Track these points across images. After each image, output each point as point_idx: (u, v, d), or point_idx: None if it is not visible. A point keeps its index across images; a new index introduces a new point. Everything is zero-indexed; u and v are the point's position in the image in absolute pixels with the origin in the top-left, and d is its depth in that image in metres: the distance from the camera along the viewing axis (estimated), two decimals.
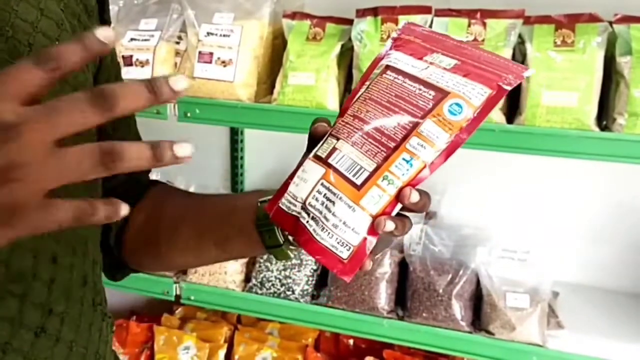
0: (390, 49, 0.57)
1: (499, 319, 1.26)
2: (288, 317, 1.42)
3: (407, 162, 0.50)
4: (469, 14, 1.20)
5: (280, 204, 0.55)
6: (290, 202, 0.54)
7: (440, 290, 1.28)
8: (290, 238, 0.59)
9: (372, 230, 0.50)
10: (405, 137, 0.50)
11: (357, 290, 1.34)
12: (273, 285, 1.41)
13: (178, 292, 1.50)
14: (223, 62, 1.32)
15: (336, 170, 0.52)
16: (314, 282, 1.42)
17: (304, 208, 0.53)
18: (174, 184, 1.59)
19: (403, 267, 1.36)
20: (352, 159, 0.52)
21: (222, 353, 1.62)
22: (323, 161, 0.53)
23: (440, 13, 1.21)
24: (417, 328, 1.30)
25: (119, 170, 0.38)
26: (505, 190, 1.53)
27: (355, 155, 0.51)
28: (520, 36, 1.17)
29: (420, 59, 0.54)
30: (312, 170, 0.53)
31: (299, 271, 1.41)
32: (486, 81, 0.51)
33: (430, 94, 0.51)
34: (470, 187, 1.54)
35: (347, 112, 0.55)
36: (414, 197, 0.50)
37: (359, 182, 0.51)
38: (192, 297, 1.48)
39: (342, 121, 0.54)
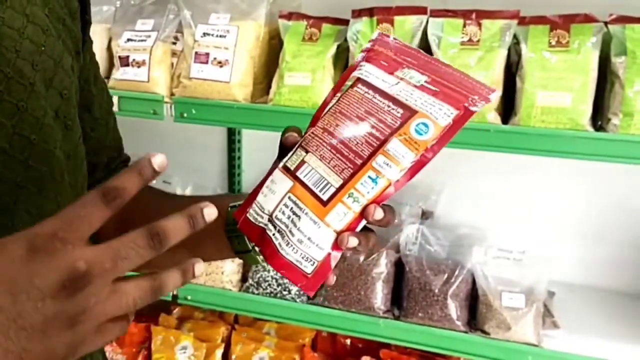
0: (363, 60, 0.57)
1: (494, 318, 1.26)
2: (285, 317, 1.42)
3: (373, 180, 0.51)
4: (465, 14, 1.20)
5: (247, 214, 0.56)
6: (258, 214, 0.55)
7: (436, 290, 1.29)
8: (257, 249, 0.59)
9: (336, 246, 0.51)
10: (371, 155, 0.51)
11: (353, 290, 1.34)
12: (269, 285, 1.42)
13: (175, 292, 1.50)
14: (219, 62, 1.32)
15: (303, 184, 0.52)
16: None
17: (270, 220, 0.53)
18: (171, 184, 1.59)
19: (399, 267, 1.36)
20: (319, 174, 0.52)
21: (219, 353, 1.62)
22: (291, 173, 0.53)
23: (436, 13, 1.21)
24: (413, 328, 1.30)
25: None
26: (500, 190, 1.53)
27: (322, 170, 0.52)
28: (515, 36, 1.18)
29: (392, 73, 0.55)
30: (280, 182, 0.54)
31: None
32: (453, 102, 0.52)
33: (398, 112, 0.52)
34: (467, 187, 1.55)
35: (317, 123, 0.55)
36: (378, 214, 0.51)
37: (325, 197, 0.51)
38: (189, 297, 1.48)
39: (312, 133, 0.55)
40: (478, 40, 1.18)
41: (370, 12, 1.24)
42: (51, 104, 0.55)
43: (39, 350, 0.38)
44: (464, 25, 1.19)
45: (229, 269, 1.46)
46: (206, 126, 1.63)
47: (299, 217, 0.52)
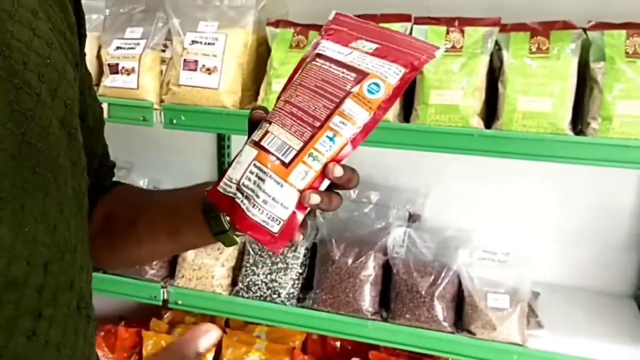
0: (322, 38, 0.62)
1: (480, 319, 1.28)
2: (275, 320, 1.44)
3: (330, 139, 0.55)
4: (448, 21, 1.23)
5: (218, 188, 0.59)
6: (227, 184, 0.58)
7: (423, 292, 1.31)
8: (228, 219, 0.63)
9: (300, 205, 0.55)
10: (328, 117, 0.55)
11: (341, 292, 1.36)
12: (259, 288, 1.43)
13: (166, 297, 1.51)
14: (208, 69, 1.34)
15: (267, 151, 0.56)
16: (299, 285, 1.44)
17: (238, 189, 0.57)
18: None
19: (386, 269, 1.38)
20: (281, 140, 0.56)
21: (210, 356, 1.64)
22: (256, 144, 0.57)
23: (420, 21, 1.24)
24: (400, 329, 1.33)
25: None
26: (485, 193, 1.56)
27: (284, 136, 0.56)
28: (497, 43, 1.21)
29: (346, 45, 0.60)
30: (247, 154, 0.57)
31: (284, 275, 1.43)
32: (401, 61, 0.56)
33: (351, 76, 0.56)
34: (452, 190, 1.57)
35: (279, 98, 0.59)
36: (338, 171, 0.54)
37: (287, 160, 0.55)
38: (180, 302, 1.50)
39: (276, 106, 0.59)
40: (461, 47, 1.21)
41: None
42: (56, 113, 0.57)
43: None
44: (447, 32, 1.22)
45: (219, 273, 1.48)
46: (196, 132, 1.66)
47: (263, 180, 0.55)
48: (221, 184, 0.59)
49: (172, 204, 0.72)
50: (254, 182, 0.56)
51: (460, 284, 1.33)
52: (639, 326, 1.40)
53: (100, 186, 0.77)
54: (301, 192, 0.55)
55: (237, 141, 1.78)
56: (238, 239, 0.67)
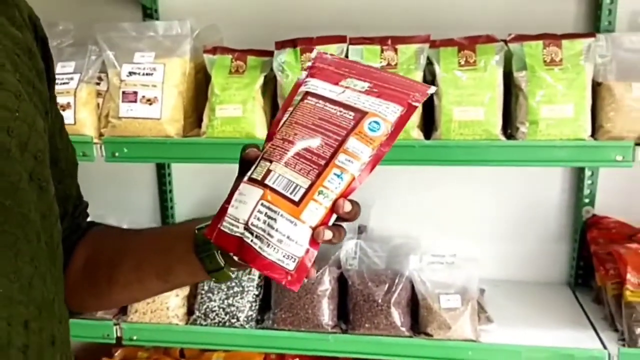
0: (307, 77, 0.64)
1: (435, 320, 1.34)
2: (235, 344, 1.44)
3: (338, 176, 0.57)
4: (381, 40, 1.29)
5: (222, 227, 0.59)
6: (232, 224, 0.58)
7: (379, 300, 1.35)
8: (236, 258, 0.62)
9: (314, 241, 0.57)
10: (333, 155, 0.57)
11: (300, 309, 1.38)
12: (217, 314, 1.43)
13: (119, 334, 1.48)
14: (148, 100, 1.33)
15: (273, 190, 0.57)
16: (257, 307, 1.45)
17: (246, 228, 0.57)
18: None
19: (342, 282, 1.42)
20: (287, 179, 0.57)
21: None
22: (259, 183, 0.58)
23: (355, 41, 1.30)
24: (361, 339, 1.36)
25: None
26: (427, 201, 1.64)
27: (289, 174, 0.57)
28: (428, 59, 1.28)
29: (336, 84, 0.62)
30: (250, 193, 0.58)
31: (241, 298, 1.43)
32: (398, 100, 0.59)
33: (350, 115, 0.59)
34: (396, 200, 1.64)
35: (275, 136, 0.61)
36: (347, 206, 0.57)
37: (296, 198, 0.56)
38: (135, 337, 1.46)
39: (272, 145, 0.60)
40: (396, 64, 1.27)
41: (293, 43, 1.31)
42: (26, 167, 0.56)
43: None
44: (382, 51, 1.28)
45: (174, 304, 1.46)
46: (134, 163, 1.63)
47: (274, 219, 0.56)
48: (225, 223, 0.59)
49: (160, 244, 0.71)
50: (265, 222, 0.56)
51: (413, 288, 1.39)
52: (576, 310, 1.51)
53: (77, 228, 0.76)
54: (313, 228, 0.56)
55: (178, 170, 1.76)
56: (232, 275, 0.67)
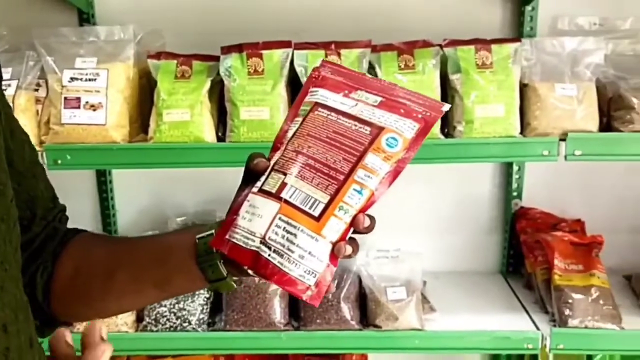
0: (314, 86, 0.64)
1: (383, 312, 1.40)
2: (187, 348, 1.44)
3: (358, 192, 0.56)
4: (325, 45, 1.34)
5: (235, 241, 0.58)
6: (247, 238, 0.57)
7: (330, 296, 1.40)
8: (250, 272, 0.61)
9: (333, 256, 0.57)
10: (352, 170, 0.57)
11: (253, 309, 1.40)
12: (168, 319, 1.43)
13: None
14: (92, 106, 1.32)
15: (291, 204, 0.56)
16: (208, 310, 1.46)
17: (263, 242, 0.56)
18: None
19: None
20: (305, 193, 0.57)
21: None
22: (274, 196, 0.57)
23: (299, 46, 1.34)
24: (312, 335, 1.40)
25: None
26: None
27: (306, 189, 0.57)
28: (370, 63, 1.34)
29: (347, 96, 0.62)
30: (265, 206, 0.57)
31: (192, 301, 1.44)
32: (413, 117, 0.59)
33: (366, 130, 0.59)
34: None
35: (286, 147, 0.60)
36: (367, 222, 0.57)
37: (316, 213, 0.56)
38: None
39: (284, 157, 0.59)
40: None
41: (239, 48, 1.33)
42: None
43: None
44: (326, 56, 1.33)
45: None
46: (73, 170, 1.59)
47: (294, 235, 0.55)
48: (238, 237, 0.57)
49: (157, 254, 0.69)
50: (284, 237, 0.55)
51: (361, 283, 1.44)
52: (509, 296, 1.61)
53: (55, 233, 0.73)
54: (333, 244, 0.56)
55: (119, 176, 1.74)
56: (235, 285, 0.66)
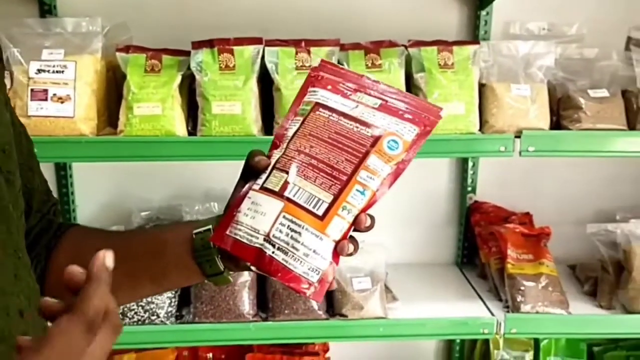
0: (313, 86, 0.66)
1: (349, 302, 1.45)
2: (155, 341, 1.44)
3: (361, 192, 0.59)
4: (295, 43, 1.37)
5: (238, 237, 0.59)
6: (251, 235, 0.58)
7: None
8: (253, 269, 0.62)
9: (336, 254, 0.59)
10: (355, 171, 0.59)
11: (222, 301, 1.43)
12: (136, 313, 1.43)
13: None
14: (60, 98, 1.30)
15: (294, 203, 0.58)
16: (177, 302, 1.47)
17: (267, 240, 0.58)
18: None
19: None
20: (308, 192, 0.58)
21: None
22: (277, 194, 0.59)
23: (270, 43, 1.37)
24: (281, 325, 1.44)
25: None
26: None
27: (310, 188, 0.58)
28: (339, 61, 1.39)
29: (347, 97, 0.64)
30: (268, 203, 0.59)
31: (160, 294, 1.44)
32: (413, 121, 0.62)
33: (367, 132, 0.61)
34: None
35: (287, 146, 0.62)
36: (368, 221, 0.60)
37: (320, 212, 0.57)
38: None
39: (286, 155, 0.61)
40: (309, 66, 1.36)
41: (210, 43, 1.35)
42: None
43: None
44: (296, 53, 1.37)
45: None
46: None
47: (299, 233, 0.57)
48: (241, 234, 0.58)
49: (153, 248, 0.69)
50: (288, 235, 0.57)
51: None
52: (465, 286, 1.70)
53: (49, 226, 0.73)
54: (336, 242, 0.58)
55: (79, 169, 1.71)
56: (231, 279, 0.67)
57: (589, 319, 1.51)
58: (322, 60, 0.69)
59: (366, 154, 0.59)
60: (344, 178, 0.59)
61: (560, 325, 1.49)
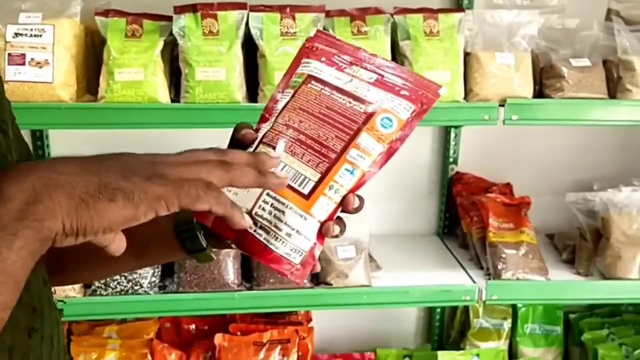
0: (307, 57, 0.62)
1: (334, 270, 1.46)
2: (139, 311, 1.44)
3: (350, 172, 0.55)
4: (280, 9, 1.35)
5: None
6: None
7: None
8: (233, 246, 0.59)
9: (321, 235, 0.56)
10: (344, 149, 0.55)
11: (206, 271, 1.42)
12: (119, 283, 1.41)
13: None
14: (38, 63, 1.27)
15: None
16: (160, 273, 1.45)
17: (250, 218, 0.54)
18: None
19: None
20: (294, 169, 0.55)
21: None
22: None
23: (255, 9, 1.34)
24: (266, 294, 1.44)
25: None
26: None
27: (296, 165, 0.55)
28: (325, 27, 1.37)
29: (342, 70, 0.60)
30: None
31: (141, 269, 1.43)
32: (409, 98, 0.58)
33: (360, 108, 0.57)
34: None
35: (276, 120, 0.58)
36: (357, 202, 0.57)
37: (305, 191, 0.54)
38: None
39: (274, 129, 0.57)
40: (295, 32, 1.34)
41: (193, 8, 1.32)
42: None
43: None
44: (281, 19, 1.35)
45: None
46: None
47: (282, 212, 0.54)
48: None
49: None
50: (271, 213, 0.54)
51: None
52: (447, 255, 1.72)
53: None
54: (322, 223, 0.55)
55: (56, 138, 1.67)
56: (214, 256, 0.64)
57: (568, 285, 1.55)
58: (318, 31, 0.65)
59: (357, 132, 0.56)
60: (333, 156, 0.55)
61: (540, 291, 1.53)
